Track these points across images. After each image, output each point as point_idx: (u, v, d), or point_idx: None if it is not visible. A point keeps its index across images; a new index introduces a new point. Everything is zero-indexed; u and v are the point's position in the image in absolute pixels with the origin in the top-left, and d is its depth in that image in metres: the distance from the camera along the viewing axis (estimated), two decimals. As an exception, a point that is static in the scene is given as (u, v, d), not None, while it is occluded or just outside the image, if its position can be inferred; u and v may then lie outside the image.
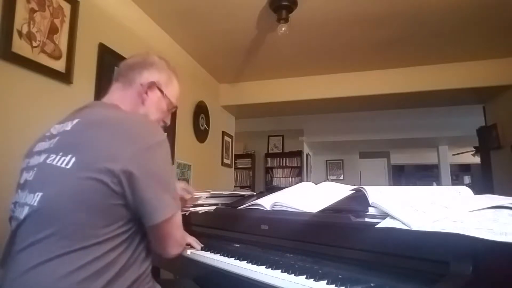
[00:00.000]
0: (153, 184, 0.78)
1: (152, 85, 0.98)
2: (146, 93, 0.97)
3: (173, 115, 2.75)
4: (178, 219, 0.86)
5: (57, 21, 1.64)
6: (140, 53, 1.05)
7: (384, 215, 0.77)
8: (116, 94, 0.98)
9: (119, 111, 0.93)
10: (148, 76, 0.98)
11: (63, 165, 0.78)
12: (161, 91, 1.00)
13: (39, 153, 0.85)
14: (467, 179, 9.67)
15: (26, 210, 0.78)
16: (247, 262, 0.94)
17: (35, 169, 0.82)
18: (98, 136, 0.81)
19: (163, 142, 0.83)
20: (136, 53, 1.05)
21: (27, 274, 0.70)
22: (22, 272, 0.71)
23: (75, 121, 0.85)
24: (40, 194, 0.77)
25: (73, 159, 0.77)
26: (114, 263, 0.75)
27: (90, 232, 0.74)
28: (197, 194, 1.52)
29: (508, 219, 0.62)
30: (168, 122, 1.08)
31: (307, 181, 5.35)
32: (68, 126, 0.85)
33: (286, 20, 2.21)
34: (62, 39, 1.67)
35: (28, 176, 0.83)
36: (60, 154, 0.80)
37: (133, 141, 0.79)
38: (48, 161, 0.80)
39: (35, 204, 0.77)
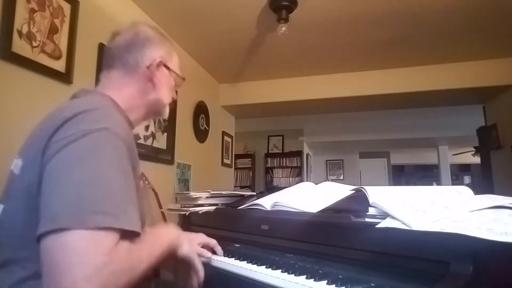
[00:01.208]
0: (45, 186, 0.58)
1: (159, 65, 0.86)
2: (156, 75, 0.86)
3: (173, 116, 2.75)
4: (76, 240, 0.53)
5: (57, 21, 1.64)
6: (127, 28, 0.88)
7: (384, 215, 0.77)
8: (115, 83, 0.83)
9: (90, 98, 0.79)
10: (150, 54, 0.85)
11: (15, 171, 0.69)
12: (168, 68, 0.89)
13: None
14: (467, 179, 9.67)
15: None
16: (247, 262, 0.94)
17: (9, 176, 0.73)
18: (36, 132, 0.69)
19: (94, 132, 0.62)
20: (120, 29, 0.88)
21: None
22: None
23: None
24: (2, 206, 0.69)
25: (20, 163, 0.68)
26: None
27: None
28: (197, 195, 1.52)
29: (508, 219, 0.62)
30: (176, 96, 0.96)
31: (307, 181, 5.35)
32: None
33: (286, 20, 2.21)
34: (62, 39, 1.67)
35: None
36: (17, 156, 0.72)
37: (56, 132, 0.62)
38: (13, 165, 0.72)
39: None
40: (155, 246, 0.71)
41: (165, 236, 0.78)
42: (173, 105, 1.02)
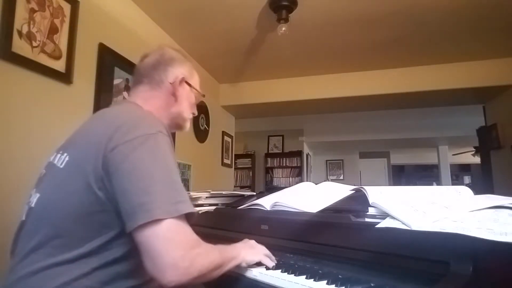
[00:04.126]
0: (128, 183, 0.67)
1: (182, 81, 0.95)
2: (178, 90, 0.95)
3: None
4: (168, 228, 0.65)
5: (57, 21, 1.64)
6: (154, 50, 1.00)
7: (384, 215, 0.77)
8: (142, 96, 0.93)
9: (129, 106, 0.89)
10: (174, 72, 0.95)
11: (58, 164, 0.76)
12: (189, 85, 0.98)
13: (57, 149, 0.83)
14: (467, 179, 9.66)
15: (26, 209, 0.77)
16: (247, 262, 0.94)
17: (47, 167, 0.81)
18: (88, 131, 0.79)
19: (153, 135, 0.73)
20: (149, 52, 1.00)
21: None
22: (10, 284, 0.67)
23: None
24: (38, 195, 0.76)
25: (67, 158, 0.75)
26: (106, 283, 0.67)
27: (74, 243, 0.67)
28: (197, 195, 1.52)
29: (508, 219, 0.62)
30: (196, 112, 1.05)
31: (307, 181, 5.35)
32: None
33: (286, 20, 2.21)
34: (62, 39, 1.67)
35: (42, 173, 0.82)
36: (61, 152, 0.79)
37: (116, 133, 0.71)
38: (52, 159, 0.79)
39: (33, 205, 0.75)
40: (226, 253, 0.80)
41: (231, 252, 0.84)
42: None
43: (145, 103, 0.90)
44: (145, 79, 0.94)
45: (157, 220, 0.64)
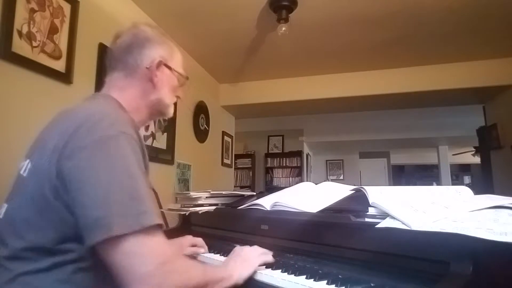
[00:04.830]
0: (83, 195, 0.61)
1: (159, 65, 0.85)
2: (156, 75, 0.85)
3: (173, 116, 2.75)
4: (131, 244, 0.59)
5: (57, 21, 1.64)
6: (127, 29, 0.88)
7: (384, 215, 0.77)
8: (117, 85, 0.84)
9: (96, 101, 0.81)
10: (150, 54, 0.84)
11: (22, 172, 0.72)
12: (169, 67, 0.88)
13: (25, 156, 0.77)
14: (467, 179, 9.66)
15: None
16: (247, 262, 0.93)
17: (17, 176, 0.76)
18: (48, 133, 0.72)
19: (113, 137, 0.66)
20: (121, 31, 0.88)
21: None
22: None
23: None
24: (6, 205, 0.72)
25: (29, 165, 0.70)
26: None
27: (45, 254, 0.63)
28: (197, 195, 1.52)
29: (508, 219, 0.62)
30: (181, 95, 0.95)
31: (307, 181, 5.35)
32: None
33: (286, 20, 2.21)
34: (62, 39, 1.67)
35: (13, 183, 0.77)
36: (26, 158, 0.74)
37: (72, 137, 0.65)
38: (20, 167, 0.74)
39: (1, 216, 0.71)
40: (213, 273, 0.76)
41: (221, 272, 0.79)
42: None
43: (121, 93, 0.82)
44: (119, 64, 0.85)
45: (117, 237, 0.58)
